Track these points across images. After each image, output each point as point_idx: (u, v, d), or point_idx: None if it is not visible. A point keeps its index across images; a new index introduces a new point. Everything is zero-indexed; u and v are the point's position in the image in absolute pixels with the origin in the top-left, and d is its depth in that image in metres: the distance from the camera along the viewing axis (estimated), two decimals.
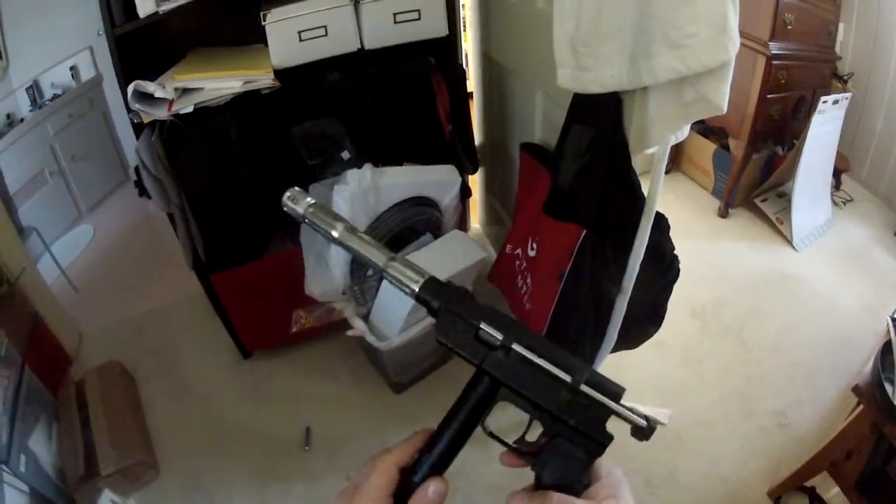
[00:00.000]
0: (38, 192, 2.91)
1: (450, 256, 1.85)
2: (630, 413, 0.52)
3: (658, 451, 2.01)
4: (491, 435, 0.55)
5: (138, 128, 1.71)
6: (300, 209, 0.60)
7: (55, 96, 2.94)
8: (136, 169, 1.80)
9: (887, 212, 3.14)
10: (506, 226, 2.51)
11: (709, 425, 2.11)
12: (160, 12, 1.62)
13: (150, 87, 1.62)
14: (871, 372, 1.52)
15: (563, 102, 1.54)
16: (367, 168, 1.76)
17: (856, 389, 1.53)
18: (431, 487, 0.54)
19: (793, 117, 2.99)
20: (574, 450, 0.52)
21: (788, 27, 2.64)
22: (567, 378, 0.52)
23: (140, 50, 1.73)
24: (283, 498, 1.97)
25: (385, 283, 1.83)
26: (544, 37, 1.39)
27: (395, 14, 1.81)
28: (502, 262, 1.96)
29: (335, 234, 0.59)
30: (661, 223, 1.52)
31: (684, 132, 1.43)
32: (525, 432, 0.56)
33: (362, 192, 1.74)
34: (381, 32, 1.83)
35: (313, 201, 0.61)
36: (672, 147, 1.42)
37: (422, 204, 1.93)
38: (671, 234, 1.59)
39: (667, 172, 2.05)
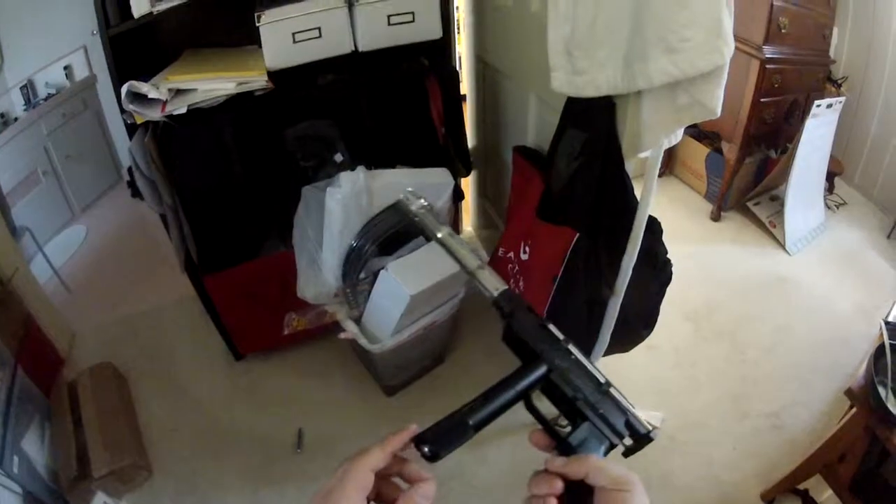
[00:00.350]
0: (32, 192, 2.90)
1: (442, 259, 1.84)
2: (640, 420, 0.62)
3: (652, 453, 1.98)
4: (533, 410, 0.64)
5: (132, 128, 1.70)
6: (413, 207, 0.74)
7: (49, 96, 2.94)
8: (130, 169, 1.79)
9: (880, 215, 3.15)
10: (498, 229, 2.51)
11: (702, 427, 2.11)
12: (154, 13, 1.61)
13: (143, 87, 1.61)
14: (865, 375, 1.52)
15: (557, 106, 1.54)
16: (360, 170, 1.76)
17: (849, 392, 1.54)
18: (420, 491, 0.54)
19: (786, 121, 3.00)
20: (598, 434, 0.61)
21: (783, 31, 2.65)
22: (602, 379, 0.64)
23: (134, 50, 1.72)
24: (276, 500, 1.96)
25: (377, 286, 1.84)
26: (538, 40, 1.39)
27: (388, 16, 1.81)
28: (495, 265, 1.96)
29: (440, 234, 0.75)
30: (653, 227, 1.52)
31: (678, 136, 1.43)
32: (559, 416, 0.64)
33: (355, 194, 1.74)
34: (374, 34, 1.82)
35: (427, 203, 0.75)
36: (665, 151, 1.42)
37: None
38: (664, 237, 1.59)
39: (660, 176, 2.06)
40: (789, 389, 2.23)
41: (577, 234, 1.54)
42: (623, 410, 0.62)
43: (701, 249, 2.99)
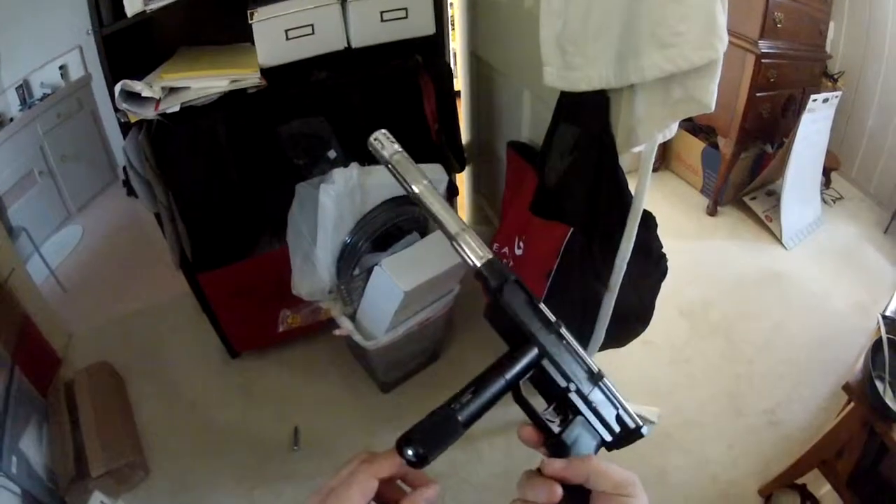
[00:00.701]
0: (28, 193, 2.89)
1: (436, 255, 1.84)
2: (632, 414, 0.58)
3: (648, 450, 2.00)
4: (522, 401, 0.58)
5: (126, 127, 1.70)
6: (386, 153, 0.62)
7: (45, 96, 2.93)
8: (125, 168, 1.79)
9: (877, 210, 3.15)
10: (493, 224, 2.51)
11: (699, 424, 2.10)
12: (148, 11, 1.60)
13: (137, 86, 1.61)
14: (862, 370, 1.52)
15: (551, 101, 1.54)
16: (354, 167, 1.75)
17: (846, 387, 1.53)
18: (423, 496, 0.53)
19: (782, 116, 2.99)
20: (591, 430, 0.57)
21: (778, 26, 2.64)
22: (595, 368, 0.58)
23: (128, 49, 1.72)
24: (272, 498, 1.96)
25: (371, 282, 1.84)
26: (532, 35, 1.39)
27: (382, 12, 1.81)
28: None
29: (416, 188, 0.62)
30: (648, 221, 1.52)
31: (672, 130, 1.43)
32: (549, 407, 0.59)
33: (349, 191, 1.73)
34: (368, 31, 1.82)
35: (401, 150, 0.63)
36: (660, 145, 1.43)
37: (408, 203, 1.93)
38: (659, 232, 1.59)
39: (655, 171, 2.05)
40: (785, 385, 2.23)
41: (571, 229, 1.53)
42: (615, 404, 0.58)
43: (697, 244, 2.99)
